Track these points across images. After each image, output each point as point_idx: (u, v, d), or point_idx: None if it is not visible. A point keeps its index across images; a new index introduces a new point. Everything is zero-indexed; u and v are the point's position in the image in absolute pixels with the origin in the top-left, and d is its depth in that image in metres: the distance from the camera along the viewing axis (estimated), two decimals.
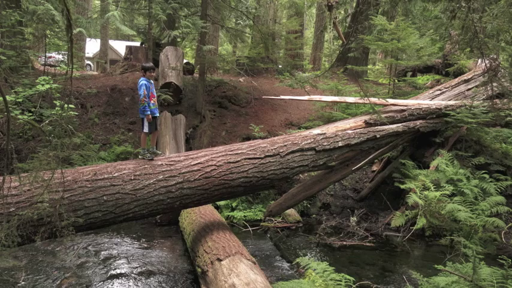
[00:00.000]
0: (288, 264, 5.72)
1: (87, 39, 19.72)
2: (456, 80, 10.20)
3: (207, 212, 6.28)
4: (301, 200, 7.23)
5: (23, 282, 4.86)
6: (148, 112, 5.00)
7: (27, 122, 6.13)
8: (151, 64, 5.20)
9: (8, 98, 7.38)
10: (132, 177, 4.59)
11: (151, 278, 5.10)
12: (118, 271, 5.28)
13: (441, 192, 6.87)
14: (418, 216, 6.80)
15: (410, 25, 11.35)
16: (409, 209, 7.15)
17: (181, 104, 11.05)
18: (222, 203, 7.56)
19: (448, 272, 4.33)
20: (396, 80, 12.73)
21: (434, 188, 7.07)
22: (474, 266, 4.12)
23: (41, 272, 5.15)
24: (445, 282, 4.09)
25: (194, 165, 4.97)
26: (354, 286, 4.45)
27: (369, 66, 19.67)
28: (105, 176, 4.51)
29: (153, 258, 5.73)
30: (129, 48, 13.93)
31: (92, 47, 24.32)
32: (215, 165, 5.06)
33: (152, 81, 5.16)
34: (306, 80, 10.24)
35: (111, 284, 4.93)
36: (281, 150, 5.55)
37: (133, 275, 5.18)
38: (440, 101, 8.97)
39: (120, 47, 29.51)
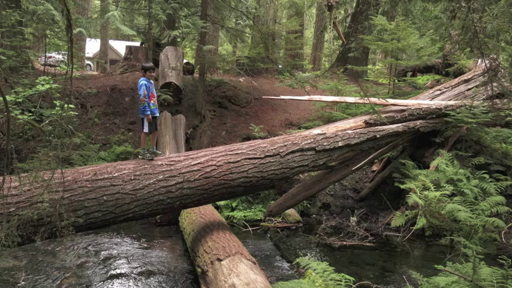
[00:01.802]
0: (288, 264, 5.72)
1: (87, 39, 19.72)
2: (456, 80, 10.20)
3: (207, 212, 6.28)
4: (301, 200, 7.23)
5: (23, 282, 4.86)
6: (148, 112, 5.01)
7: (27, 122, 6.13)
8: (151, 64, 5.20)
9: (8, 98, 7.38)
10: (132, 177, 4.60)
11: (151, 278, 5.10)
12: (118, 271, 5.28)
13: (441, 192, 6.87)
14: (418, 216, 6.80)
15: (410, 25, 11.34)
16: (409, 209, 7.15)
17: (181, 104, 11.05)
18: (222, 203, 7.56)
19: (448, 272, 4.33)
20: (396, 80, 12.72)
21: (434, 188, 7.07)
22: (474, 266, 4.12)
23: (41, 272, 5.15)
24: (445, 282, 4.09)
25: (194, 165, 4.98)
26: (354, 286, 4.45)
27: (369, 66, 19.67)
28: (105, 176, 4.51)
29: (153, 258, 5.73)
30: (129, 48, 13.93)
31: (92, 47, 24.33)
32: (215, 165, 5.06)
33: (152, 81, 5.16)
34: (306, 80, 10.24)
35: (111, 284, 4.93)
36: (281, 150, 5.55)
37: (133, 275, 5.19)
38: (440, 101, 8.97)
39: (120, 47, 29.52)
